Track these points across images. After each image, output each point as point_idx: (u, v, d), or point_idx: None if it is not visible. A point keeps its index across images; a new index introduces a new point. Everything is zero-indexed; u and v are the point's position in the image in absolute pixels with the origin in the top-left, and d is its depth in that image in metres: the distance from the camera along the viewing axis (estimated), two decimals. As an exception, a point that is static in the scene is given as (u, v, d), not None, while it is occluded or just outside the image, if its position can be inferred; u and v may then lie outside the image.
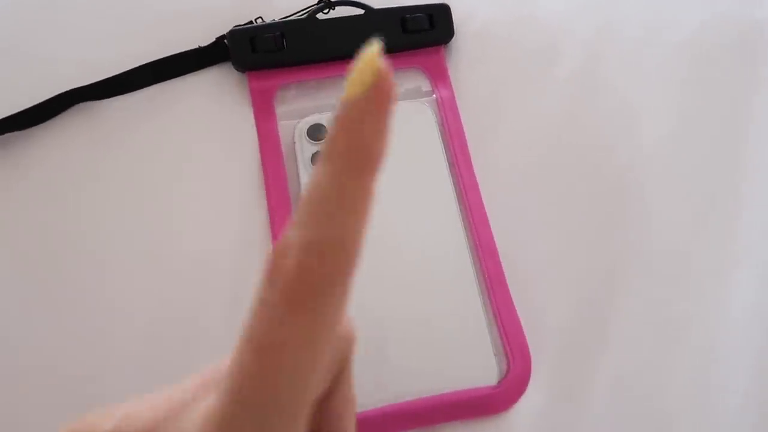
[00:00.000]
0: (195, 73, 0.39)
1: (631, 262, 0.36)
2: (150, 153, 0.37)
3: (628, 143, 0.39)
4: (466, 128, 0.39)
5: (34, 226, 0.35)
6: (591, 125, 0.39)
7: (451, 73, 0.40)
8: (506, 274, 0.35)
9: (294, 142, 0.37)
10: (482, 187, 0.37)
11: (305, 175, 0.36)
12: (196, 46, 0.39)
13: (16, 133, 0.37)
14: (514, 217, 0.37)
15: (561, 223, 0.37)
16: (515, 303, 0.34)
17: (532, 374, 0.33)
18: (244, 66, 0.39)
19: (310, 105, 0.39)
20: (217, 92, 0.39)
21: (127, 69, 0.39)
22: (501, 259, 0.35)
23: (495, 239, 0.36)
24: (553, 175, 0.38)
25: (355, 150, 0.14)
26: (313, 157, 0.37)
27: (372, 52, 0.14)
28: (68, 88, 0.38)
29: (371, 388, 0.31)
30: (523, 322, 0.34)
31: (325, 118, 0.38)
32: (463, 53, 0.41)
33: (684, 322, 0.35)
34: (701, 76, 0.41)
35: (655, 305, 0.35)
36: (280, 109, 0.39)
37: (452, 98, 0.40)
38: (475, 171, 0.38)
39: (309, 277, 0.13)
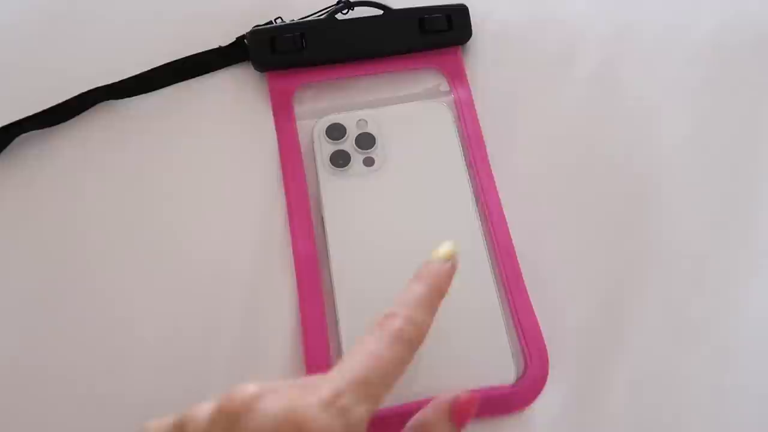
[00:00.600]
0: (215, 72, 0.40)
1: (649, 264, 0.36)
2: (170, 151, 0.38)
3: (647, 144, 0.39)
4: (483, 128, 0.39)
5: (55, 222, 0.36)
6: (609, 126, 0.39)
7: (468, 73, 0.41)
8: (524, 275, 0.35)
9: (313, 142, 0.38)
10: (499, 187, 0.37)
11: (323, 174, 0.37)
12: (217, 46, 0.40)
13: (41, 131, 0.38)
14: (532, 217, 0.37)
15: (579, 224, 0.37)
16: (533, 303, 0.34)
17: (549, 374, 0.33)
18: (264, 66, 0.39)
19: (328, 105, 0.39)
20: (237, 91, 0.39)
21: (149, 68, 0.39)
22: (519, 260, 0.35)
23: (513, 240, 0.36)
24: (570, 177, 0.38)
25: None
26: (332, 157, 0.37)
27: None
28: (91, 87, 0.38)
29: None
30: (540, 323, 0.34)
31: (343, 118, 0.38)
32: (481, 54, 0.41)
33: (702, 323, 0.34)
34: (720, 77, 0.41)
35: (673, 306, 0.35)
36: (299, 109, 0.39)
37: (470, 98, 0.40)
38: (493, 171, 0.38)
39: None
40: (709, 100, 0.40)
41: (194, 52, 0.40)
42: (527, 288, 0.35)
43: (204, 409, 0.22)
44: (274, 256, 0.35)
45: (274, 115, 0.39)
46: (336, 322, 0.33)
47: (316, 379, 0.22)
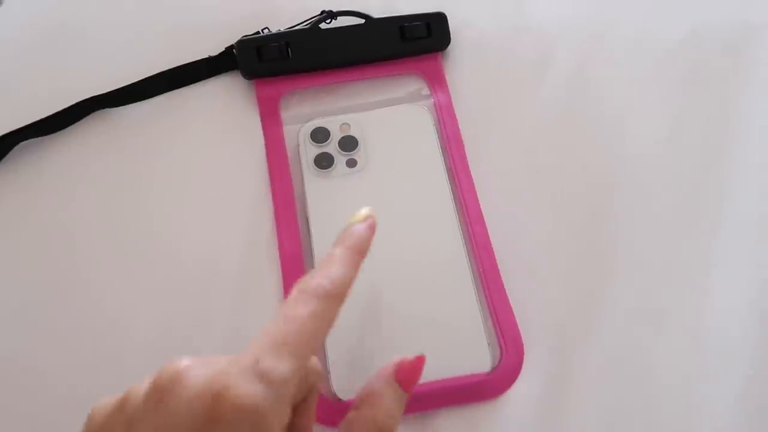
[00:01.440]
0: (206, 81, 0.42)
1: (619, 256, 0.37)
2: (163, 156, 0.40)
3: (618, 143, 0.40)
4: (462, 130, 0.40)
5: (53, 225, 0.38)
6: (582, 127, 0.41)
7: (448, 78, 0.42)
8: (500, 269, 0.36)
9: (298, 145, 0.39)
10: (478, 186, 0.39)
11: (308, 176, 0.38)
12: (207, 56, 0.42)
13: (40, 138, 0.40)
14: (509, 214, 0.38)
15: (553, 220, 0.38)
16: (509, 296, 0.36)
17: (524, 363, 0.34)
18: (252, 74, 0.41)
19: (313, 110, 0.41)
20: (227, 99, 0.41)
21: (143, 78, 0.41)
22: (495, 254, 0.37)
23: (490, 235, 0.37)
24: (545, 176, 0.39)
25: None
26: (316, 159, 0.39)
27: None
28: (87, 96, 0.40)
29: (368, 374, 0.33)
30: (516, 313, 0.35)
31: (327, 122, 0.40)
32: (460, 59, 0.43)
33: (670, 312, 0.36)
34: (690, 79, 0.43)
35: (642, 296, 0.36)
36: (286, 114, 0.41)
37: (449, 102, 0.41)
38: (471, 171, 0.39)
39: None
40: (678, 101, 0.42)
41: (185, 62, 0.42)
42: (504, 281, 0.36)
43: (143, 385, 0.22)
44: (262, 256, 0.37)
45: (262, 120, 0.41)
46: None
47: (244, 350, 0.23)
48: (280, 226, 0.37)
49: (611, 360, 0.34)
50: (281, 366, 0.22)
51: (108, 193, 0.38)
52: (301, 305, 0.24)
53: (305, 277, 0.25)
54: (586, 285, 0.36)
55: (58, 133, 0.40)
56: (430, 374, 0.33)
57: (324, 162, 0.39)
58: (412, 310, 0.35)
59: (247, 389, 0.21)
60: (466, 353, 0.34)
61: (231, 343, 0.35)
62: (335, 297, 0.25)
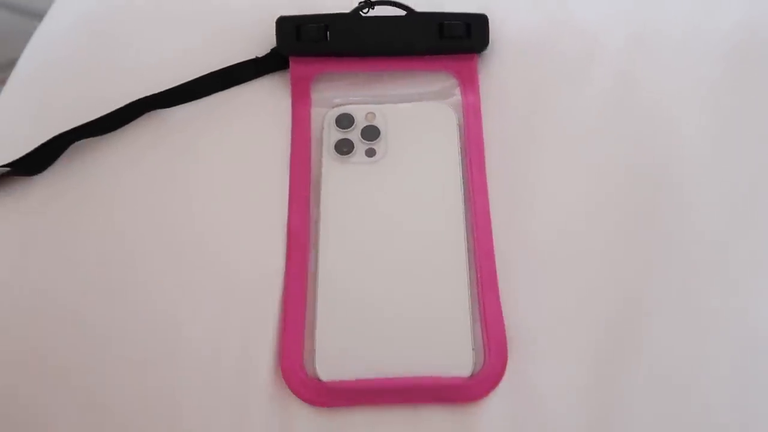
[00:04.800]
0: (252, 81, 0.43)
1: (659, 268, 0.37)
2: (210, 155, 0.40)
3: (664, 146, 0.40)
4: (486, 136, 0.41)
5: (104, 226, 0.38)
6: (626, 132, 0.40)
7: (480, 80, 0.42)
8: (500, 277, 0.37)
9: (323, 128, 0.40)
10: (491, 193, 0.39)
11: (327, 159, 0.39)
12: (254, 57, 0.43)
13: (91, 139, 0.41)
14: (518, 223, 0.38)
15: (571, 230, 0.38)
16: (505, 305, 0.36)
17: (506, 373, 0.35)
18: (288, 50, 0.42)
19: (343, 95, 0.42)
20: (272, 99, 0.42)
21: (192, 79, 0.42)
22: (497, 262, 0.37)
23: (494, 242, 0.37)
24: (572, 182, 0.39)
25: None
26: (337, 144, 0.40)
27: None
28: (138, 97, 0.41)
29: (354, 360, 0.34)
30: (506, 323, 0.36)
31: (353, 109, 0.41)
32: (495, 63, 0.43)
33: (708, 326, 0.35)
34: (739, 77, 0.42)
35: (629, 316, 0.36)
36: (316, 96, 0.42)
37: (478, 105, 0.41)
38: (488, 176, 0.39)
39: None
40: (728, 100, 0.41)
41: (232, 63, 0.43)
42: (501, 291, 0.36)
43: None
44: (273, 227, 0.38)
45: (292, 98, 0.42)
46: (315, 293, 0.36)
47: None
48: (292, 204, 0.39)
49: (593, 380, 0.34)
50: None
51: (158, 192, 0.39)
52: None
53: None
54: (596, 301, 0.36)
55: (110, 134, 0.41)
56: (411, 369, 0.34)
57: (344, 148, 0.39)
58: (404, 305, 0.35)
59: None
60: (449, 354, 0.35)
61: (252, 314, 0.36)
62: None
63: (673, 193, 0.39)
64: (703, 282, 0.36)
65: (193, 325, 0.36)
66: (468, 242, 0.37)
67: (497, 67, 0.43)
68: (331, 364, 0.34)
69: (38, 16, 0.50)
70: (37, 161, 0.40)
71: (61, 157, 0.40)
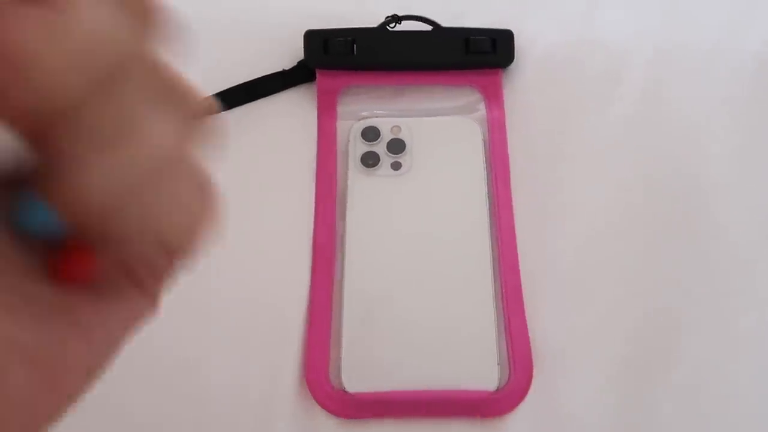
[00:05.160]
0: (279, 94, 0.43)
1: (681, 286, 0.37)
2: (237, 167, 0.40)
3: (690, 165, 0.40)
4: (511, 151, 0.41)
5: None
6: (650, 150, 0.40)
7: (505, 96, 0.43)
8: (525, 291, 0.37)
9: (348, 141, 0.41)
10: (516, 207, 0.39)
11: (353, 171, 0.40)
12: (281, 69, 0.43)
13: None
14: (544, 239, 0.38)
15: (595, 245, 0.38)
16: (528, 319, 0.36)
17: (532, 388, 0.35)
18: (315, 63, 0.42)
19: (369, 108, 0.42)
20: (298, 112, 0.42)
21: (218, 91, 0.42)
22: (522, 276, 0.37)
23: (519, 256, 0.38)
24: (595, 198, 0.39)
25: None
26: (363, 156, 0.40)
27: None
28: None
29: (378, 373, 0.34)
30: (531, 338, 0.36)
31: (379, 122, 0.41)
32: (521, 79, 0.43)
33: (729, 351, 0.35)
34: (766, 95, 0.42)
35: (657, 332, 0.36)
36: (342, 109, 0.42)
37: (502, 120, 0.42)
38: (513, 190, 0.39)
39: None
40: (756, 118, 0.41)
41: (258, 76, 0.43)
42: (526, 305, 0.36)
43: None
44: (299, 239, 0.38)
45: (318, 111, 0.42)
46: (341, 305, 0.36)
47: None
48: (318, 216, 0.39)
49: (620, 397, 0.34)
50: None
51: None
52: None
53: None
54: (624, 316, 0.36)
55: None
56: (436, 382, 0.34)
57: (370, 161, 0.40)
58: (430, 318, 0.36)
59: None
60: (475, 368, 0.35)
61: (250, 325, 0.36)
62: None
63: (700, 209, 0.39)
64: (732, 299, 0.36)
65: (219, 337, 0.36)
66: (493, 256, 0.37)
67: (522, 83, 0.43)
68: (356, 375, 0.34)
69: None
70: None
71: None
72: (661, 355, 0.35)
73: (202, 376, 0.35)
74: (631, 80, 0.43)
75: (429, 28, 0.43)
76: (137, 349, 0.34)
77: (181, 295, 0.36)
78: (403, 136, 0.41)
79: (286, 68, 0.43)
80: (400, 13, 0.42)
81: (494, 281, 0.37)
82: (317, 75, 0.43)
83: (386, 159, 0.40)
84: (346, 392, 0.34)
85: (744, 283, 0.37)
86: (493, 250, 0.38)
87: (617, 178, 0.40)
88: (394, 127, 0.41)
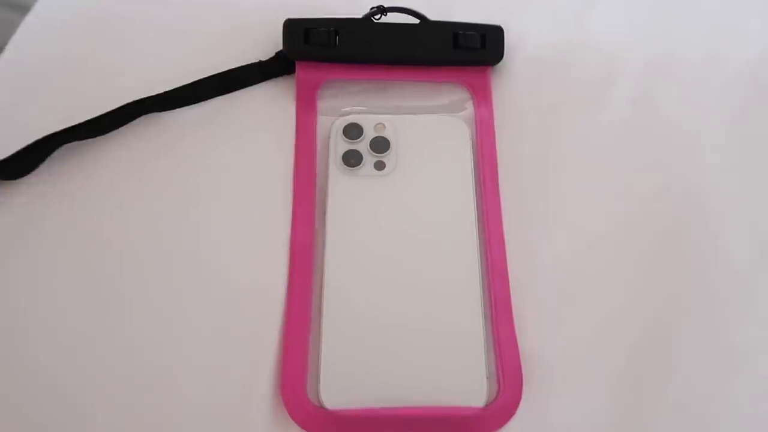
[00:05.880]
0: (255, 86, 0.40)
1: (673, 298, 0.35)
2: (210, 162, 0.38)
3: (683, 173, 0.39)
4: (499, 150, 0.39)
5: (95, 233, 0.36)
6: (639, 156, 0.39)
7: (494, 94, 0.41)
8: (514, 300, 0.35)
9: (329, 138, 0.38)
10: (504, 210, 0.37)
11: (334, 171, 0.37)
12: (258, 60, 0.40)
13: (82, 142, 0.38)
14: (533, 247, 0.37)
15: (587, 252, 0.37)
16: (517, 331, 0.34)
17: (521, 403, 0.33)
18: (295, 54, 0.40)
19: (351, 104, 0.40)
20: (275, 105, 0.40)
21: (191, 82, 0.39)
22: (511, 285, 0.35)
23: (508, 264, 0.36)
24: (587, 204, 0.38)
25: None
26: (345, 155, 0.37)
27: None
28: (134, 97, 0.38)
29: (359, 387, 0.32)
30: (521, 351, 0.34)
31: (362, 119, 0.39)
32: (510, 76, 0.41)
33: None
34: (760, 105, 0.41)
35: (651, 344, 0.34)
36: (322, 104, 0.40)
37: (491, 118, 0.40)
38: (501, 194, 0.38)
39: None
40: (748, 127, 0.40)
41: (233, 67, 0.40)
42: (515, 315, 0.35)
43: None
44: (274, 242, 0.36)
45: (297, 106, 0.39)
46: (320, 315, 0.34)
47: None
48: (296, 218, 0.36)
49: (611, 414, 0.33)
50: None
51: (152, 202, 0.37)
52: None
53: None
54: (617, 328, 0.35)
55: (102, 138, 0.38)
56: (422, 399, 0.32)
57: (352, 160, 0.37)
58: (415, 331, 0.34)
59: None
60: (462, 384, 0.33)
61: (227, 327, 0.34)
62: None
63: (691, 217, 0.37)
64: (728, 315, 0.35)
65: (188, 345, 0.33)
66: (481, 264, 0.36)
67: (511, 82, 0.41)
68: (336, 391, 0.32)
69: (24, 8, 0.47)
70: (19, 165, 0.36)
71: (48, 161, 0.37)
72: (655, 369, 0.34)
73: (169, 389, 0.32)
74: (623, 84, 0.42)
75: (416, 21, 0.40)
76: (100, 358, 0.32)
77: (149, 299, 0.34)
78: (387, 134, 0.38)
79: (263, 59, 0.41)
80: (386, 5, 0.40)
81: (482, 290, 0.35)
82: (297, 67, 0.40)
83: (369, 158, 0.38)
84: (325, 409, 0.32)
85: (740, 300, 0.35)
86: (480, 257, 0.36)
87: (608, 183, 0.39)
88: (377, 124, 0.39)
